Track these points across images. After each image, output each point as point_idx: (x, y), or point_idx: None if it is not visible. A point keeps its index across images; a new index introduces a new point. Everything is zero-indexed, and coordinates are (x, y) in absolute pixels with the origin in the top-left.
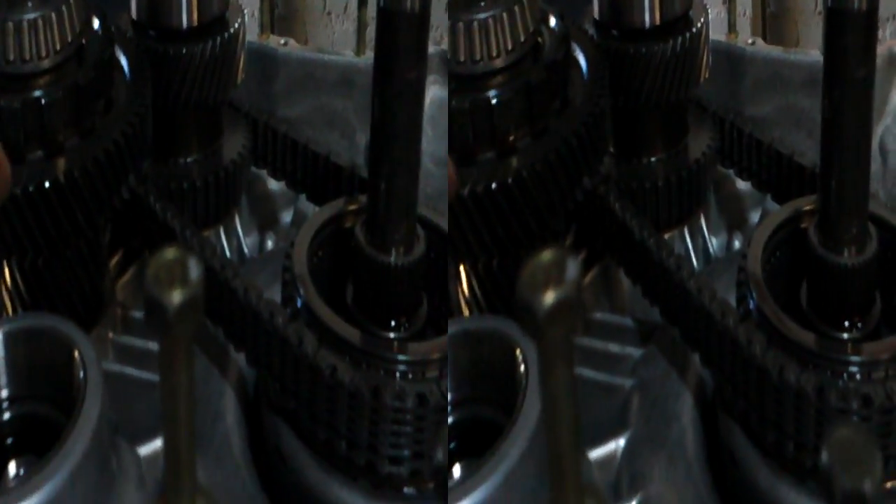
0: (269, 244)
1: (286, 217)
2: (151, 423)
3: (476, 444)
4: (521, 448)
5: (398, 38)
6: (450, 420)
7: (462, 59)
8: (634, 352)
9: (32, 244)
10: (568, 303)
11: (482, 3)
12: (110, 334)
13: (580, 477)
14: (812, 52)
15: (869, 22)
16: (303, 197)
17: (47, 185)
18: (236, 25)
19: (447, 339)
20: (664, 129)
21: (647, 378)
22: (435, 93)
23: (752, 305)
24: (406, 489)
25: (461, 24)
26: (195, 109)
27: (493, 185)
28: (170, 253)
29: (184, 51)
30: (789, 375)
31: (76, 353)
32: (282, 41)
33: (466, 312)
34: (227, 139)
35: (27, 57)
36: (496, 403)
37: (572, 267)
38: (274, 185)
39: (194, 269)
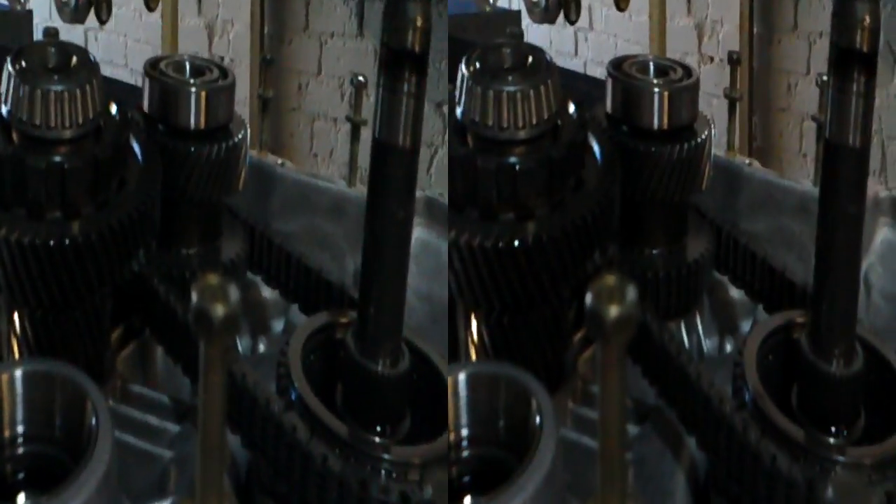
0: (262, 348)
1: (278, 325)
2: (148, 492)
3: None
4: (536, 483)
5: (390, 170)
6: (464, 455)
7: (490, 123)
8: (631, 429)
9: (48, 297)
10: (629, 317)
11: (510, 78)
12: (110, 402)
13: (626, 472)
14: (803, 182)
15: (861, 158)
16: (295, 307)
17: (66, 242)
18: (240, 135)
19: (465, 377)
20: (666, 225)
21: (644, 455)
22: (419, 234)
23: (747, 398)
24: None
25: (491, 93)
26: (198, 205)
27: (516, 243)
28: (212, 279)
29: (191, 149)
30: (782, 464)
31: (88, 401)
32: (279, 161)
33: (474, 357)
34: (226, 241)
35: (52, 124)
36: (507, 447)
37: (632, 291)
38: (267, 292)
39: (234, 292)
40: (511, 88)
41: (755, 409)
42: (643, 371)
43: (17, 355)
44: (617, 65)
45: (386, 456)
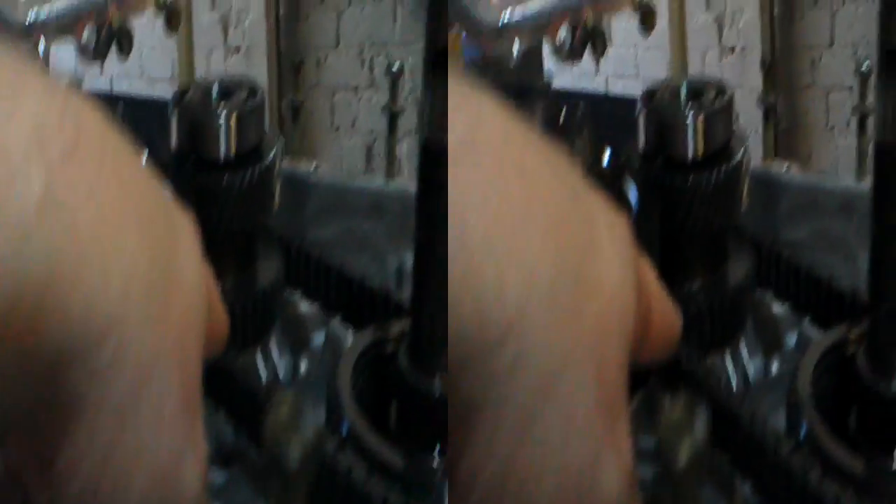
0: (303, 366)
1: (318, 338)
2: None
3: None
4: None
5: (440, 172)
6: None
7: None
8: None
9: None
10: (700, 457)
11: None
12: None
13: None
14: (844, 178)
15: None
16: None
17: None
18: (272, 154)
19: None
20: (706, 256)
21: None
22: None
23: (803, 432)
24: None
25: None
26: (231, 236)
27: None
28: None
29: (223, 180)
30: None
31: None
32: (312, 166)
33: None
34: (262, 264)
35: None
36: None
37: (701, 422)
38: (305, 306)
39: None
40: None
41: (812, 446)
42: None
43: None
44: (649, 96)
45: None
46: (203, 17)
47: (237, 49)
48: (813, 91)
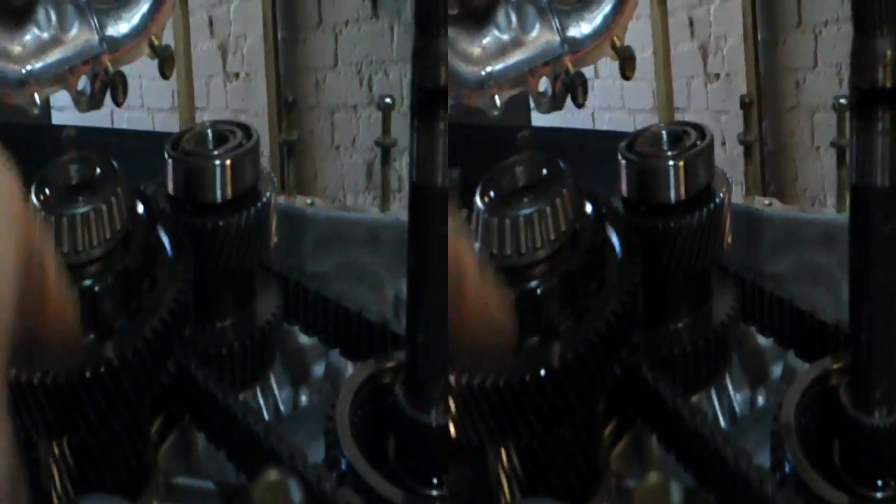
0: (303, 398)
1: (318, 370)
2: None
3: None
4: None
5: (429, 209)
6: None
7: (508, 252)
8: None
9: (84, 421)
10: None
11: (525, 200)
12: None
13: None
14: (826, 211)
15: (891, 198)
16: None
17: (102, 369)
18: (268, 194)
19: None
20: (690, 295)
21: None
22: None
23: (787, 469)
24: None
25: (507, 221)
26: (231, 276)
27: (542, 373)
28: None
29: (220, 223)
30: None
31: None
32: (308, 201)
33: (507, 489)
34: (261, 300)
35: (79, 248)
36: None
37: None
38: (305, 338)
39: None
40: (526, 211)
41: (797, 482)
42: (677, 457)
43: (57, 483)
44: (630, 145)
45: None
46: (203, 45)
47: (236, 75)
48: (798, 112)
